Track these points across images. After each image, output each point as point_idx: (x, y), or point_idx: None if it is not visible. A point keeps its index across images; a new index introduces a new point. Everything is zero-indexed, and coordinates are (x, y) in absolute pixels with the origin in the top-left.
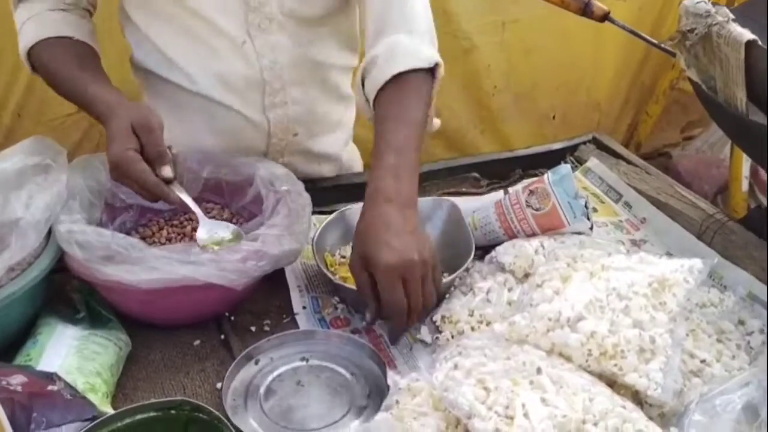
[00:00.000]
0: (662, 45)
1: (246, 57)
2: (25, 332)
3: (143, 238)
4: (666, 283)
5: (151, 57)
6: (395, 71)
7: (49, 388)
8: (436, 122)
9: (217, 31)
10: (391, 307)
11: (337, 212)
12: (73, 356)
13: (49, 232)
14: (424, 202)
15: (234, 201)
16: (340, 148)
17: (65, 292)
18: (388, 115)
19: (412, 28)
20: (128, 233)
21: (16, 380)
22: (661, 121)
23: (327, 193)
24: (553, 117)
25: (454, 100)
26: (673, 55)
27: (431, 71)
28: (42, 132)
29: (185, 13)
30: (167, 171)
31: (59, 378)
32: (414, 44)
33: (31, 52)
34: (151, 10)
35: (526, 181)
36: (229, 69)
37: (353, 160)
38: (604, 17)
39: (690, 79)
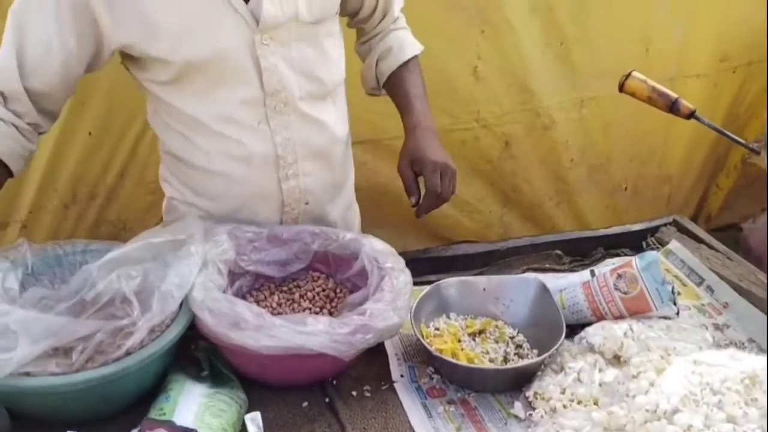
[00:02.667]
0: (748, 145)
1: (262, 136)
2: (156, 386)
3: (257, 302)
4: (757, 380)
5: (174, 142)
6: (407, 57)
7: None
8: None
9: (236, 117)
10: (431, 190)
11: (432, 286)
12: (203, 413)
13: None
14: (511, 279)
15: (339, 272)
16: (344, 210)
17: (190, 351)
18: (408, 83)
19: (405, 26)
20: (244, 297)
21: None
22: (732, 194)
23: (417, 264)
24: (625, 188)
25: (532, 174)
26: (757, 153)
27: None
28: (141, 193)
29: (210, 106)
30: None
31: None
32: (410, 38)
33: None
34: (179, 105)
35: (610, 261)
36: (245, 148)
37: (354, 218)
38: (690, 115)
39: None
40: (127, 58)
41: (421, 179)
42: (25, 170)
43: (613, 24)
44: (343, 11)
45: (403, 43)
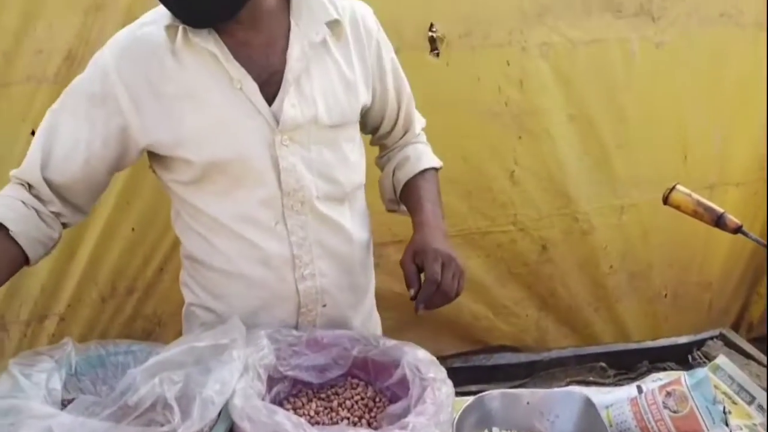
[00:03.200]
0: None
1: (278, 236)
2: None
3: (294, 409)
4: None
5: (194, 244)
6: (424, 167)
7: None
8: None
9: (255, 216)
10: (429, 278)
11: (475, 398)
12: None
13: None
14: (556, 393)
15: (379, 380)
16: (365, 318)
17: None
18: (421, 189)
19: (426, 143)
20: (281, 403)
21: None
22: None
23: (457, 373)
24: (665, 295)
25: (570, 279)
26: None
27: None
28: (177, 288)
29: (230, 206)
30: None
31: None
32: (430, 152)
33: None
34: (200, 206)
35: (656, 376)
36: (263, 249)
37: (375, 328)
38: (737, 230)
39: None
40: (154, 158)
41: None
42: (44, 258)
43: (652, 132)
44: (365, 128)
45: (422, 154)
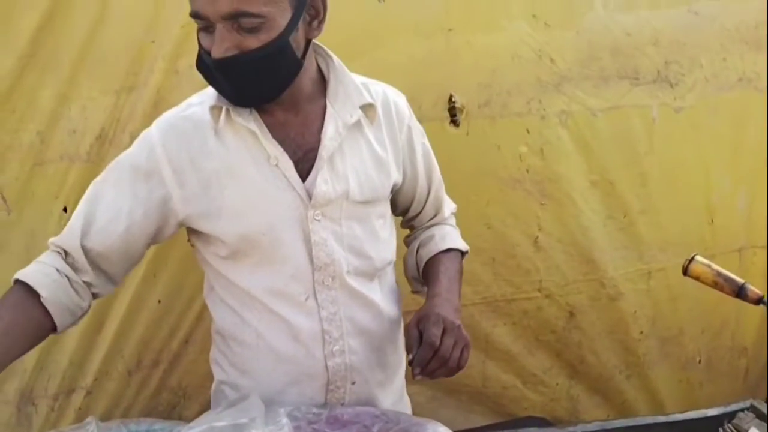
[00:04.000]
0: None
1: (308, 311)
2: None
3: None
4: None
5: (226, 319)
6: (448, 246)
7: None
8: None
9: (286, 291)
10: (427, 341)
11: None
12: None
13: None
14: None
15: None
16: (396, 400)
17: None
18: (441, 265)
19: (455, 226)
20: None
21: None
22: None
23: None
24: (699, 361)
25: (599, 346)
26: None
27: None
28: (204, 359)
29: (262, 279)
30: None
31: None
32: (457, 235)
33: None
34: (234, 279)
35: None
36: (293, 324)
37: (405, 410)
38: (759, 300)
39: None
40: (192, 232)
41: None
42: (73, 331)
43: (676, 195)
44: (395, 209)
45: (447, 235)
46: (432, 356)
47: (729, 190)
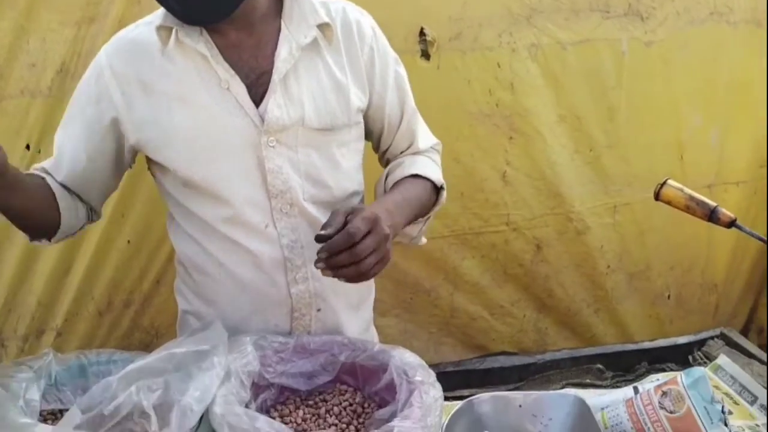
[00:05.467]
0: None
1: (269, 239)
2: None
3: (281, 417)
4: None
5: (188, 249)
6: (414, 171)
7: None
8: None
9: (243, 219)
10: (346, 230)
11: (464, 402)
12: None
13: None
14: (550, 396)
15: (367, 385)
16: (362, 331)
17: None
18: (401, 186)
19: (433, 158)
20: (268, 411)
21: None
22: None
23: (449, 377)
24: (668, 297)
25: (566, 279)
26: None
27: (437, 191)
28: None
29: (219, 208)
30: None
31: None
32: (431, 164)
33: None
34: (192, 208)
35: (654, 377)
36: (254, 252)
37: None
38: (731, 224)
39: None
40: (149, 160)
41: None
42: (40, 274)
43: (645, 131)
44: (368, 136)
45: (418, 162)
46: (346, 249)
47: (700, 126)
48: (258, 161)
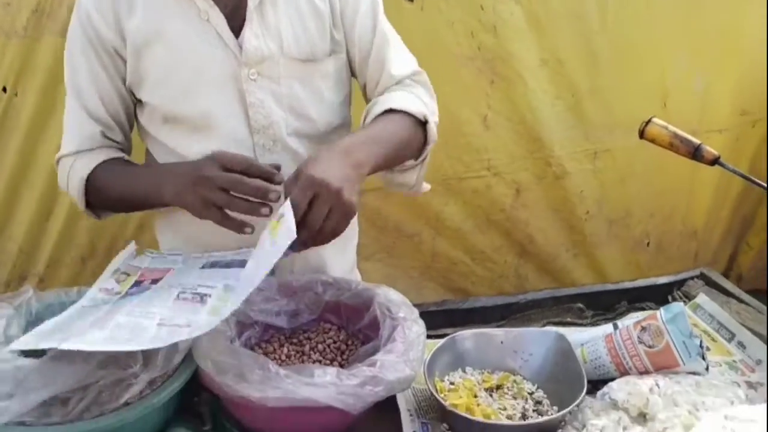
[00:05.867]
0: None
1: None
2: None
3: (265, 354)
4: None
5: None
6: (389, 106)
7: None
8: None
9: None
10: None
11: (447, 338)
12: None
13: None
14: (530, 332)
15: (351, 323)
16: (346, 273)
17: (193, 404)
18: (369, 126)
19: (411, 86)
20: (252, 348)
21: None
22: (763, 253)
23: (432, 317)
24: (648, 244)
25: (546, 224)
26: None
27: (423, 127)
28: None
29: (201, 144)
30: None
31: None
32: (411, 98)
33: (88, 179)
34: (172, 145)
35: (634, 315)
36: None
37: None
38: (715, 161)
39: None
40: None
41: None
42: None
43: (628, 76)
44: (353, 72)
45: (394, 96)
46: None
47: (684, 72)
48: (239, 95)
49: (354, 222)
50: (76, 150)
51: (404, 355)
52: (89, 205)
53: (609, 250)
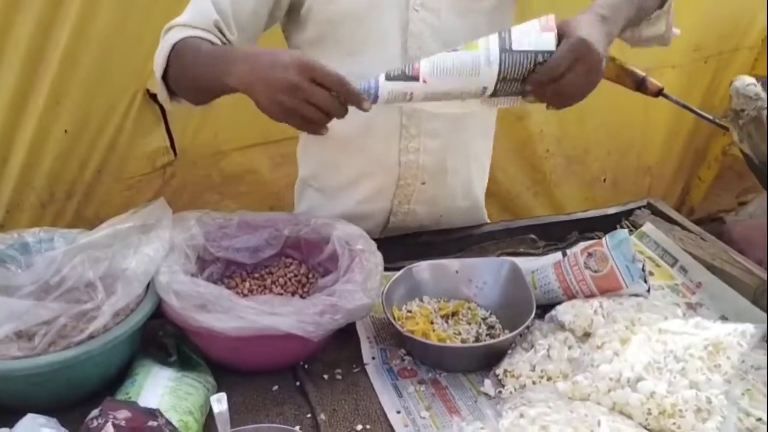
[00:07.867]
0: (716, 120)
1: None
2: (122, 373)
3: (228, 289)
4: (720, 347)
5: None
6: None
7: (150, 423)
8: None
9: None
10: (549, 65)
11: (404, 269)
12: (168, 396)
13: (150, 282)
14: (484, 261)
15: (311, 257)
16: (470, 208)
17: (158, 337)
18: None
19: None
20: (215, 284)
21: (122, 415)
22: (714, 186)
23: (390, 250)
24: (604, 180)
25: (507, 163)
26: (727, 129)
27: None
28: (119, 189)
29: (352, 67)
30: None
31: (161, 414)
32: None
33: (174, 46)
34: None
35: (583, 244)
36: (372, 116)
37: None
38: (659, 93)
39: (742, 152)
40: (286, 14)
41: None
42: None
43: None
44: None
45: None
46: (548, 82)
47: None
48: (401, 23)
49: (483, 172)
50: (185, 23)
51: (362, 285)
52: (166, 78)
53: (567, 186)
